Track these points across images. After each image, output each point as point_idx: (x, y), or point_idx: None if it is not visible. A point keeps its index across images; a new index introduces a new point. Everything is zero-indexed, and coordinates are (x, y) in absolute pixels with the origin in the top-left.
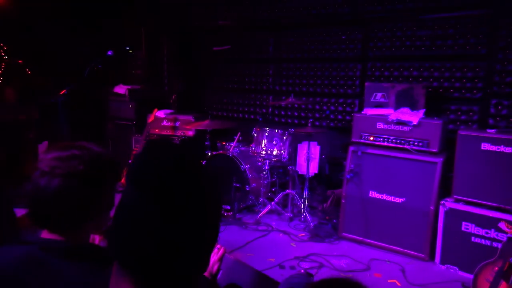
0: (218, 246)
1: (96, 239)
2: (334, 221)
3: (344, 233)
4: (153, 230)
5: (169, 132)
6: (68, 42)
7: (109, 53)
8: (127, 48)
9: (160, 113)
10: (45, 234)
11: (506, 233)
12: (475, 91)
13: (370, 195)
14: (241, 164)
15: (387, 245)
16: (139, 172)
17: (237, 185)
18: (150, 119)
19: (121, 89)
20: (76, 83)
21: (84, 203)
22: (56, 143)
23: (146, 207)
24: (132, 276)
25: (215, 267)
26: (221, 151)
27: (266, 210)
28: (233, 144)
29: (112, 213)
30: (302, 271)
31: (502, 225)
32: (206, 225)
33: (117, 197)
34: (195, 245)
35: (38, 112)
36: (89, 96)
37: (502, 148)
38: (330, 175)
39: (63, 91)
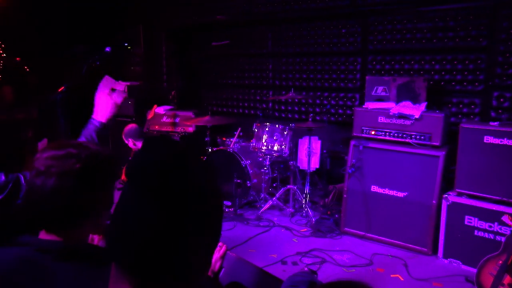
0: (220, 243)
1: (95, 239)
2: (336, 216)
3: (346, 228)
4: (152, 229)
5: (169, 129)
6: (67, 39)
7: (107, 49)
8: (126, 44)
9: (160, 110)
10: (43, 235)
11: (509, 226)
12: (476, 84)
13: (372, 189)
14: (242, 160)
15: (390, 240)
16: (138, 170)
17: (238, 181)
18: (150, 115)
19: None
20: (74, 80)
21: (81, 202)
22: (55, 141)
23: (145, 205)
24: (131, 277)
25: (217, 265)
26: (221, 147)
27: (267, 205)
28: (234, 140)
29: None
30: (306, 268)
31: (505, 218)
32: (207, 223)
33: (117, 195)
34: (195, 245)
35: (37, 110)
36: (88, 93)
37: (505, 141)
38: (331, 170)
39: (61, 89)
